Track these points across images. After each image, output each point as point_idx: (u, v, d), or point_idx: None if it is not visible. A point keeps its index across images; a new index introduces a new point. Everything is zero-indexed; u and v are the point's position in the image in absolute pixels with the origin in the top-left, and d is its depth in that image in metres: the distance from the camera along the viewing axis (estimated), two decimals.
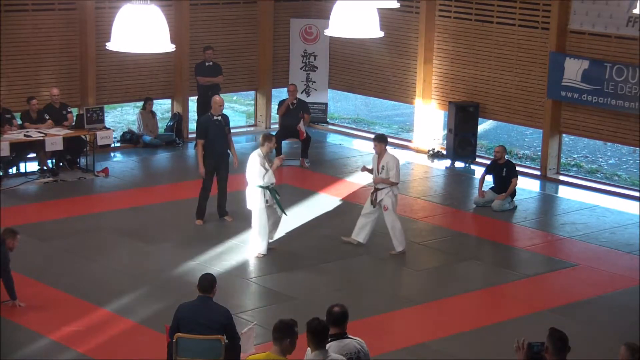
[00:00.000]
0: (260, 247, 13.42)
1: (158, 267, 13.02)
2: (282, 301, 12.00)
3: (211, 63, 18.95)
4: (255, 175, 13.20)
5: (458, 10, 18.88)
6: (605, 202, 16.55)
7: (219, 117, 14.45)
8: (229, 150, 14.72)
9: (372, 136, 20.61)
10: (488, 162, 16.95)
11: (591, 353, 10.48)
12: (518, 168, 16.55)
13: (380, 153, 13.71)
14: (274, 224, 13.61)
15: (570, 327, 9.23)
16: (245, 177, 13.40)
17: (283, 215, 13.63)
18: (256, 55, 20.52)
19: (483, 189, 16.17)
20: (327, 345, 7.50)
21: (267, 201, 13.30)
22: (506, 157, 16.46)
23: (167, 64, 19.37)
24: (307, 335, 7.20)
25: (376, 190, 13.69)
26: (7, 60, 17.59)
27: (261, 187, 13.26)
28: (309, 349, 7.25)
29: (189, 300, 9.08)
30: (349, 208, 15.66)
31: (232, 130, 15.07)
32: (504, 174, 16.04)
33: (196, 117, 19.30)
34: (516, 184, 15.99)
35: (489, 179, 16.26)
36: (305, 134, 18.02)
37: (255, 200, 13.34)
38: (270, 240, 13.59)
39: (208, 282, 8.97)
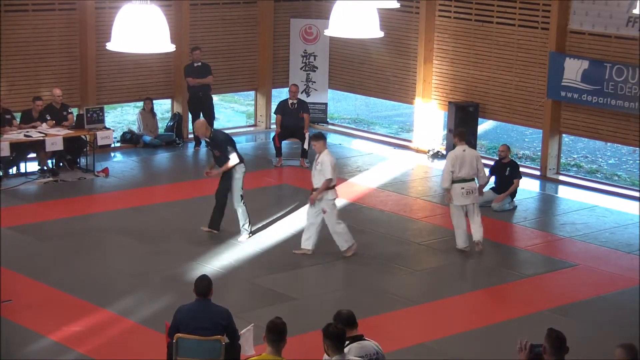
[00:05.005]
0: (463, 241, 13.77)
1: (158, 267, 13.02)
2: (282, 301, 11.99)
3: (200, 63, 18.92)
4: (447, 171, 13.61)
5: (458, 10, 18.87)
6: (605, 202, 16.53)
7: None
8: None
9: (373, 137, 20.83)
10: (488, 162, 16.89)
11: (591, 353, 10.47)
12: None
13: (319, 151, 13.43)
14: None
15: (570, 327, 9.25)
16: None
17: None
18: (256, 55, 20.51)
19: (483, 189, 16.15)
20: (347, 348, 7.46)
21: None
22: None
23: (167, 64, 19.37)
24: (324, 340, 7.13)
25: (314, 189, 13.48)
26: (7, 60, 17.58)
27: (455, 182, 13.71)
28: (326, 355, 7.20)
29: (189, 302, 9.05)
30: (349, 208, 15.66)
31: (230, 131, 15.04)
32: (507, 173, 16.03)
33: (190, 118, 19.22)
34: (518, 184, 15.99)
35: (491, 179, 16.22)
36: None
37: (455, 196, 13.69)
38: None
39: (205, 287, 8.89)
